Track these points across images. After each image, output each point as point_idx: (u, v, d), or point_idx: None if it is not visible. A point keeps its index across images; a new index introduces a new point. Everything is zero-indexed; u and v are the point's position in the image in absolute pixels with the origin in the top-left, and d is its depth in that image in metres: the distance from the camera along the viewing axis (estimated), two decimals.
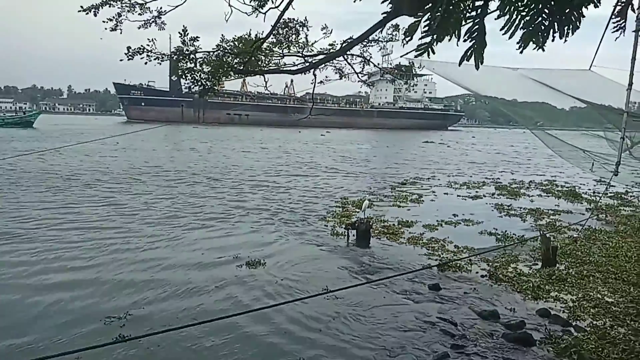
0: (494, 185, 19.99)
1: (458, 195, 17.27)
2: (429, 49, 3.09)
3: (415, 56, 3.06)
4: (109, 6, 6.04)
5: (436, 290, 7.53)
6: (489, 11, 2.86)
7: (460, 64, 2.97)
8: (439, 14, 2.84)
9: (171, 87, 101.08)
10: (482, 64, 2.87)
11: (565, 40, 2.43)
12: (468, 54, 2.89)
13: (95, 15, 6.03)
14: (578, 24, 2.34)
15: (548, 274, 8.25)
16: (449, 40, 3.08)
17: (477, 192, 18.12)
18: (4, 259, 8.49)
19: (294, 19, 6.84)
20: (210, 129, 65.64)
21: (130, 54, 6.19)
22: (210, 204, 14.28)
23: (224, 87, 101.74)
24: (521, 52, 2.61)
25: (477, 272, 8.46)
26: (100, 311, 6.50)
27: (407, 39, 2.93)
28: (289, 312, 6.58)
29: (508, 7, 2.70)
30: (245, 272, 8.30)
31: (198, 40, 6.12)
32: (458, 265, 8.72)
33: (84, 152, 27.33)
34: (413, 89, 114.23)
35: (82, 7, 5.99)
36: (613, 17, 3.21)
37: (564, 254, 9.33)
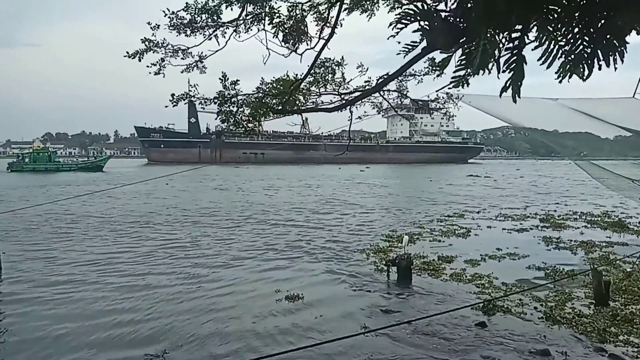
0: (540, 217, 19.27)
1: (503, 229, 16.73)
2: (464, 81, 3.10)
3: (450, 89, 3.08)
4: (153, 52, 6.37)
5: (482, 328, 7.22)
6: (526, 42, 2.86)
7: (500, 95, 2.96)
8: (474, 48, 2.86)
9: (190, 128, 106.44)
10: (519, 97, 2.85)
11: (615, 69, 2.38)
12: (507, 85, 2.88)
13: (139, 60, 6.36)
14: (624, 52, 2.29)
15: (612, 314, 7.64)
16: (489, 72, 3.08)
17: (522, 224, 17.56)
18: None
19: (330, 58, 7.03)
20: (239, 169, 67.00)
21: (175, 100, 6.47)
22: (250, 241, 14.42)
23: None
24: (560, 82, 2.57)
25: (528, 311, 8.00)
26: (141, 347, 6.60)
27: (439, 72, 2.95)
28: (327, 351, 6.45)
29: (545, 37, 2.70)
30: (285, 307, 8.27)
31: (238, 84, 6.35)
32: (505, 302, 8.33)
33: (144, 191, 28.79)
34: (430, 124, 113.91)
35: (127, 52, 6.35)
36: None
37: (618, 290, 8.80)
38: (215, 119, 6.64)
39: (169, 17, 6.22)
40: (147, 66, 6.48)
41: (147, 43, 6.19)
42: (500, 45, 2.93)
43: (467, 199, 28.02)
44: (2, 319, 7.80)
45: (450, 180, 47.92)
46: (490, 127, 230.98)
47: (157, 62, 6.43)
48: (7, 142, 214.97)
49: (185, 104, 6.53)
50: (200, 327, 7.45)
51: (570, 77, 2.54)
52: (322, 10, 6.58)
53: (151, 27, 6.17)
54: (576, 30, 2.42)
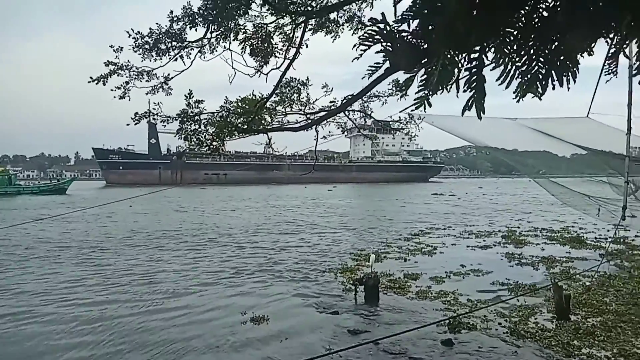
0: (503, 234, 19.77)
1: (467, 246, 17.01)
2: (425, 102, 3.17)
3: (412, 110, 3.13)
4: (118, 75, 6.24)
5: (449, 346, 7.25)
6: (485, 63, 2.95)
7: (462, 113, 3.02)
8: (434, 68, 2.93)
9: (150, 149, 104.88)
10: (484, 113, 2.92)
11: (568, 89, 2.47)
12: (469, 104, 2.94)
13: (104, 84, 6.22)
14: (576, 72, 2.39)
15: (574, 328, 7.81)
16: (448, 92, 3.16)
17: (485, 241, 17.92)
18: None
19: (296, 78, 7.08)
20: (205, 190, 66.12)
21: (137, 118, 6.35)
22: (215, 264, 14.12)
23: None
24: (517, 102, 2.66)
25: (493, 327, 8.08)
26: None
27: (402, 93, 3.00)
28: None
29: (502, 58, 2.79)
30: (250, 330, 8.07)
31: (202, 103, 6.30)
32: (471, 319, 8.42)
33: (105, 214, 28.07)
34: (392, 144, 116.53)
35: (91, 77, 6.19)
36: (606, 61, 3.30)
37: (579, 303, 9.04)
38: (175, 135, 6.52)
39: (134, 38, 6.12)
40: (112, 89, 6.33)
41: (111, 66, 6.06)
42: (460, 66, 3.02)
43: (431, 217, 28.49)
44: None
45: (415, 199, 48.68)
46: (453, 147, 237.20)
47: (122, 85, 6.30)
48: None
49: (147, 122, 6.41)
50: (160, 352, 7.16)
51: (524, 97, 2.63)
52: (288, 30, 6.65)
53: (114, 50, 6.05)
54: (531, 51, 2.51)
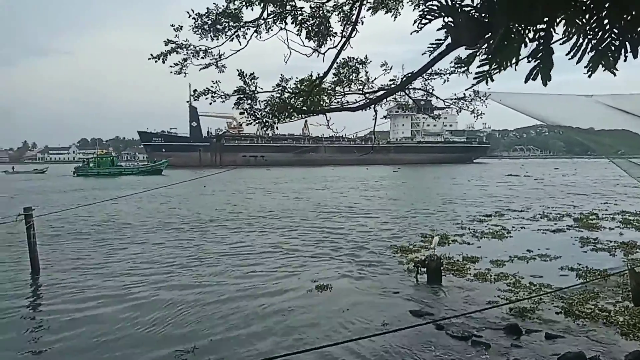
0: (578, 217, 18.68)
1: (538, 229, 16.23)
2: (488, 78, 3.03)
3: (473, 84, 3.01)
4: (177, 53, 6.48)
5: (514, 332, 7.01)
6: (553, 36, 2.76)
7: (526, 81, 2.88)
8: (498, 42, 2.79)
9: (191, 132, 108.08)
10: (549, 80, 2.76)
11: None
12: (534, 73, 2.79)
13: (163, 62, 6.48)
14: None
15: None
16: (513, 67, 2.99)
17: (557, 224, 17.05)
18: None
19: (354, 57, 6.99)
20: (259, 171, 67.94)
21: (196, 95, 6.60)
22: (266, 242, 14.57)
23: (242, 130, 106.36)
24: (589, 77, 2.48)
25: (561, 311, 7.75)
26: (170, 341, 6.76)
27: (464, 70, 2.89)
28: (356, 348, 6.44)
29: (573, 30, 2.60)
30: (314, 302, 8.45)
31: (257, 78, 6.37)
32: (536, 304, 8.09)
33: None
34: (433, 124, 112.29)
35: (152, 54, 6.47)
36: None
37: None
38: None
39: (193, 19, 6.31)
40: (170, 66, 6.58)
41: (170, 44, 6.30)
42: (527, 40, 2.85)
43: (503, 199, 27.50)
44: (39, 317, 8.09)
45: (483, 180, 47.08)
46: (523, 126, 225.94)
47: (180, 61, 6.54)
48: (45, 148, 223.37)
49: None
50: (228, 319, 7.68)
51: (595, 71, 2.45)
52: (346, 10, 6.55)
53: (174, 29, 6.27)
54: (604, 22, 2.32)
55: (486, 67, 2.93)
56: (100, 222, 19.00)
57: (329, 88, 6.96)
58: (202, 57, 6.54)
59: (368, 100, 6.55)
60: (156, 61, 6.34)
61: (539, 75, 2.62)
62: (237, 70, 6.17)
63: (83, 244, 14.32)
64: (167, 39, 6.26)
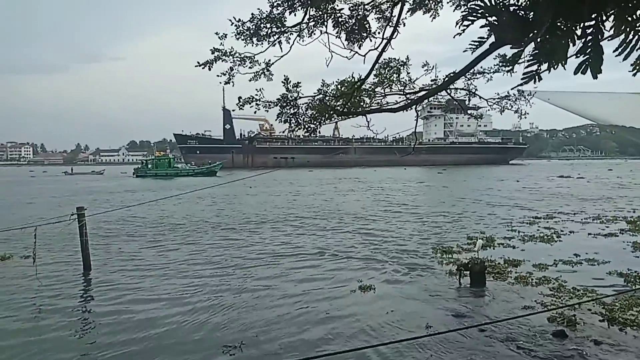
0: (630, 220, 17.79)
1: (589, 233, 15.54)
2: (536, 77, 2.98)
3: (520, 84, 2.96)
4: (222, 61, 6.65)
5: (561, 338, 6.78)
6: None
7: (575, 73, 2.81)
8: (545, 40, 2.74)
9: (225, 134, 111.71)
10: (600, 73, 2.69)
11: None
12: (583, 67, 2.72)
13: (209, 69, 6.67)
14: None
15: None
16: (563, 66, 2.92)
17: (609, 228, 16.31)
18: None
19: (394, 58, 6.97)
20: (298, 172, 68.47)
21: (241, 103, 6.74)
22: (313, 243, 14.68)
23: (274, 132, 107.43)
24: (634, 75, 2.40)
25: (607, 319, 7.36)
26: (217, 339, 6.95)
27: (509, 69, 2.85)
28: (400, 348, 6.42)
29: (624, 26, 2.53)
30: (357, 302, 8.52)
31: (300, 87, 6.48)
32: (583, 310, 7.76)
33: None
34: (466, 124, 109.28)
35: (198, 62, 6.67)
36: None
37: None
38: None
39: (236, 26, 6.45)
40: (217, 75, 6.76)
41: (216, 52, 6.47)
42: (575, 37, 2.78)
43: (553, 200, 26.56)
44: (93, 311, 8.49)
45: (527, 182, 45.56)
46: (573, 126, 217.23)
47: (227, 71, 6.70)
48: (97, 150, 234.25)
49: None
50: (274, 318, 7.82)
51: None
52: (385, 9, 6.54)
53: (219, 37, 6.44)
54: None
55: (534, 67, 2.88)
56: (153, 221, 19.74)
57: (369, 89, 6.97)
58: (249, 67, 6.67)
59: (409, 101, 6.51)
60: (203, 68, 6.54)
61: (588, 69, 2.55)
62: (284, 77, 6.29)
63: (136, 244, 14.86)
64: (213, 48, 6.44)
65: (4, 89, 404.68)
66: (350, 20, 6.53)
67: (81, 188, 45.55)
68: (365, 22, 6.52)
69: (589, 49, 2.64)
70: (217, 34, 6.43)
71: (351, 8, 6.52)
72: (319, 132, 7.03)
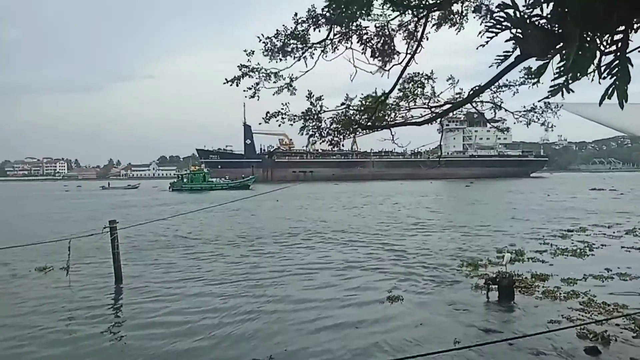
0: None
1: (622, 247, 15.11)
2: (563, 89, 2.96)
3: (547, 97, 2.96)
4: (249, 77, 6.84)
5: (594, 355, 6.58)
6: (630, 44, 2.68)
7: (600, 103, 2.79)
8: (571, 53, 2.73)
9: (246, 149, 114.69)
10: (626, 101, 2.65)
11: None
12: (609, 92, 2.70)
13: (237, 85, 6.86)
14: None
15: None
16: (590, 79, 2.90)
17: None
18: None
19: (419, 72, 7.01)
20: (320, 186, 68.66)
21: (268, 117, 6.89)
22: (347, 255, 14.69)
23: (293, 146, 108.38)
24: None
25: (630, 332, 7.22)
26: (249, 351, 6.99)
27: (534, 81, 2.85)
28: None
29: None
30: (385, 316, 8.54)
31: (322, 100, 6.59)
32: (616, 326, 7.50)
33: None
34: (486, 137, 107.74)
35: (226, 79, 6.86)
36: None
37: None
38: (299, 133, 6.92)
39: (264, 43, 6.62)
40: (244, 90, 6.94)
41: (243, 69, 6.65)
42: (602, 49, 2.77)
43: (586, 214, 25.93)
44: (123, 323, 8.65)
45: (557, 195, 44.55)
46: (603, 138, 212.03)
47: (253, 86, 6.88)
48: (128, 165, 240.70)
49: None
50: (304, 328, 7.93)
51: None
52: (410, 27, 6.60)
53: (247, 54, 6.62)
54: None
55: (560, 80, 2.87)
56: (186, 234, 20.11)
57: (394, 103, 7.01)
58: (274, 82, 6.84)
59: (434, 115, 6.52)
60: (230, 84, 6.72)
61: (615, 93, 2.53)
62: (308, 91, 6.42)
63: (169, 256, 15.13)
64: (241, 64, 6.63)
65: (44, 107, 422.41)
66: (375, 38, 6.63)
67: (122, 201, 46.82)
68: (391, 42, 6.60)
69: (616, 68, 2.61)
70: (245, 50, 6.63)
71: (377, 27, 6.61)
72: (343, 145, 7.12)
